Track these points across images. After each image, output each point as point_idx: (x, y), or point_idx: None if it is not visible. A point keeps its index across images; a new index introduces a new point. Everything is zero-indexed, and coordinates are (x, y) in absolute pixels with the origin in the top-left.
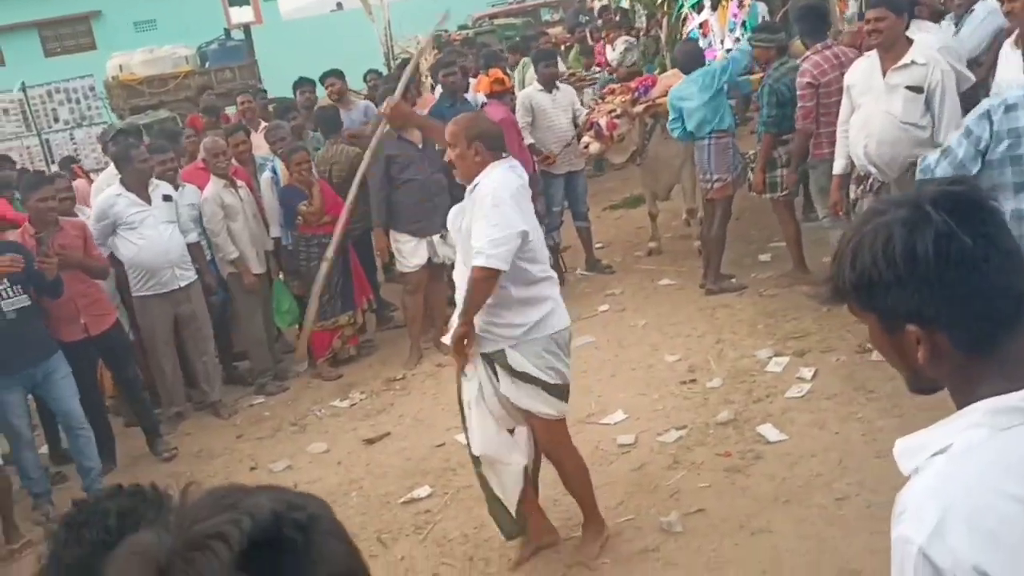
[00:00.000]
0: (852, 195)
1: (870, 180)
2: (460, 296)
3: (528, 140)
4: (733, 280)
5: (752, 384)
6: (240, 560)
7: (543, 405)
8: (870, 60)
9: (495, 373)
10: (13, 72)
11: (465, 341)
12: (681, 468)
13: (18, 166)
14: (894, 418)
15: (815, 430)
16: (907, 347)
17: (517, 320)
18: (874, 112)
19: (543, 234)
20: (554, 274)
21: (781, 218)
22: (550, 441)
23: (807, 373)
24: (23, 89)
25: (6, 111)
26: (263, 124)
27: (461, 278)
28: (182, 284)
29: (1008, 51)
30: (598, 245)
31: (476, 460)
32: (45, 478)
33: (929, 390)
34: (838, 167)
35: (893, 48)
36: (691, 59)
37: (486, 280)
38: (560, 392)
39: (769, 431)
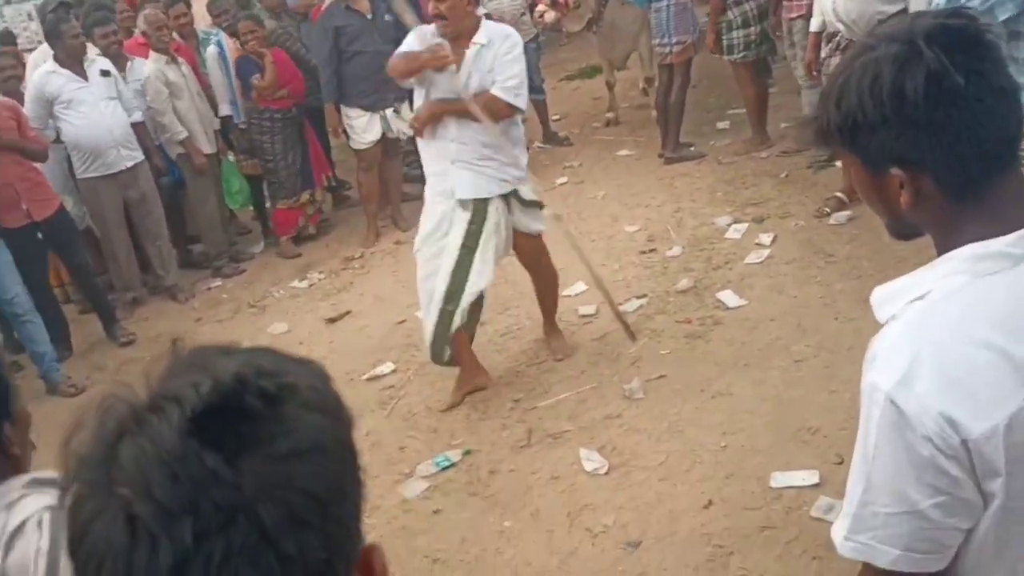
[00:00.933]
0: (824, 53)
1: (838, 37)
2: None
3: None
4: (692, 148)
5: (711, 251)
6: (191, 426)
7: (539, 223)
8: None
9: (508, 208)
10: None
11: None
12: (642, 336)
13: None
14: (852, 280)
15: (774, 295)
16: (890, 191)
17: (523, 155)
18: None
19: None
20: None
21: (741, 82)
22: (538, 253)
23: (766, 239)
24: None
25: None
26: None
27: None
28: (128, 165)
29: None
30: (555, 117)
31: (446, 312)
32: None
33: (910, 235)
34: (814, 24)
35: None
36: None
37: (504, 111)
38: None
39: (729, 297)
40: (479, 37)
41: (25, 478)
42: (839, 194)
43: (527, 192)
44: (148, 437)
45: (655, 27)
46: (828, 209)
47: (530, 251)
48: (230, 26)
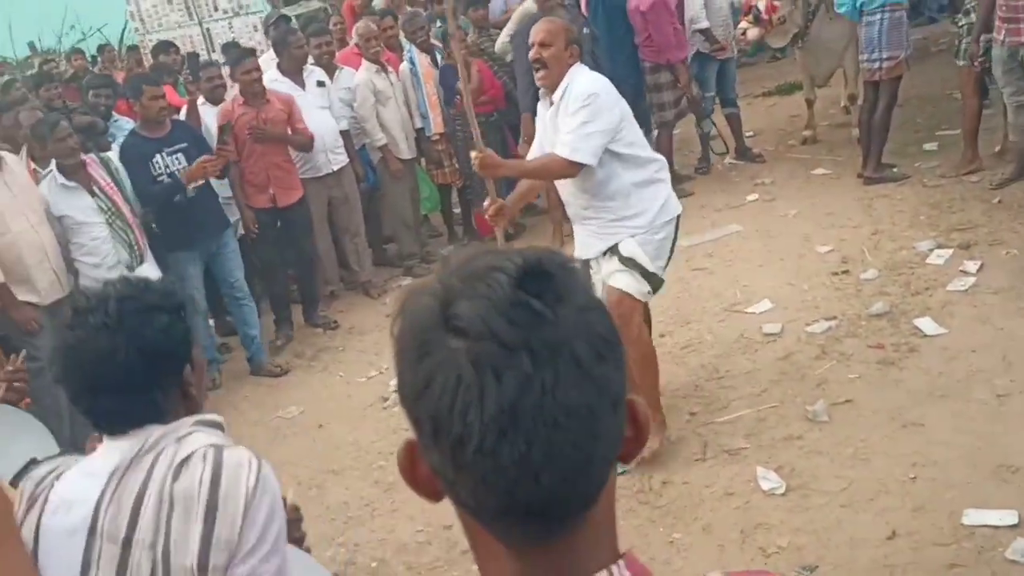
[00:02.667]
0: None
1: None
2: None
3: (703, 23)
4: (895, 169)
5: (910, 276)
6: (518, 282)
7: (634, 281)
8: None
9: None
10: None
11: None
12: (829, 359)
13: (182, 52)
14: None
15: (977, 325)
16: None
17: (640, 207)
18: None
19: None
20: (664, 160)
21: (963, 91)
22: (625, 316)
23: (972, 266)
24: None
25: (170, 1)
26: (405, 12)
27: (575, 197)
28: (335, 168)
29: None
30: (748, 133)
31: None
32: (213, 346)
33: None
34: None
35: None
36: None
37: (563, 169)
38: (652, 280)
39: (927, 324)
40: (557, 93)
41: (195, 417)
42: None
43: (628, 247)
44: (483, 294)
45: (865, 41)
46: None
47: (615, 311)
48: (423, 42)
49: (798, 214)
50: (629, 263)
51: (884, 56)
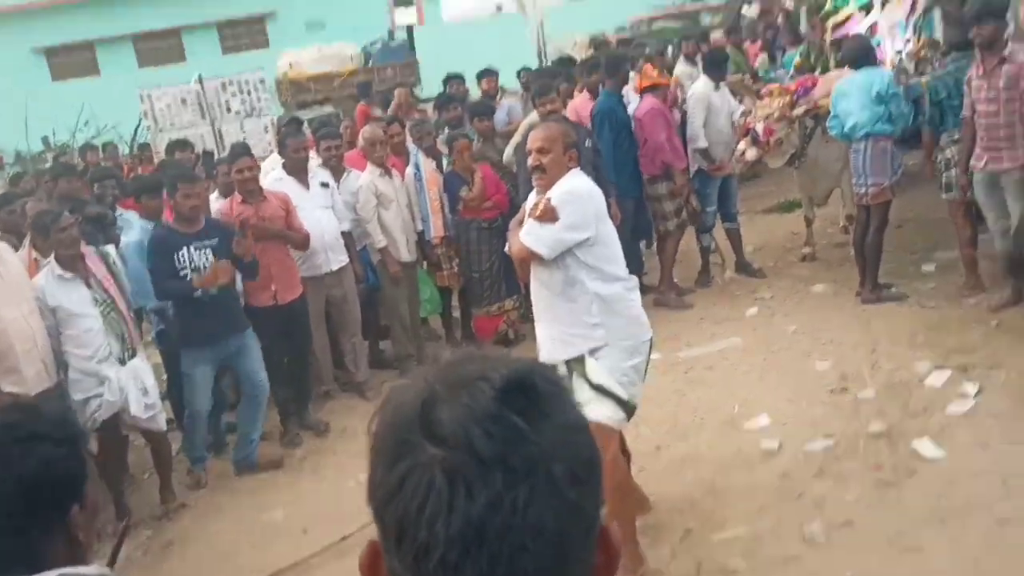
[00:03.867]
0: None
1: None
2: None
3: (702, 143)
4: (892, 289)
5: (909, 397)
6: (501, 395)
7: (609, 410)
8: None
9: (571, 381)
10: (193, 68)
11: None
12: (827, 478)
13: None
14: None
15: (977, 449)
16: None
17: (600, 319)
18: None
19: (620, 244)
20: (635, 281)
21: (956, 222)
22: None
23: (971, 389)
24: (199, 81)
25: (184, 101)
26: (412, 119)
27: (539, 293)
28: (334, 268)
29: None
30: (749, 248)
31: None
32: (203, 447)
33: None
34: None
35: None
36: (860, 53)
37: (519, 250)
38: (626, 407)
39: (926, 446)
40: (552, 191)
41: (63, 571)
42: None
43: (598, 374)
44: (465, 403)
45: (852, 167)
46: None
47: None
48: (430, 148)
49: (797, 330)
50: (602, 391)
51: (869, 183)
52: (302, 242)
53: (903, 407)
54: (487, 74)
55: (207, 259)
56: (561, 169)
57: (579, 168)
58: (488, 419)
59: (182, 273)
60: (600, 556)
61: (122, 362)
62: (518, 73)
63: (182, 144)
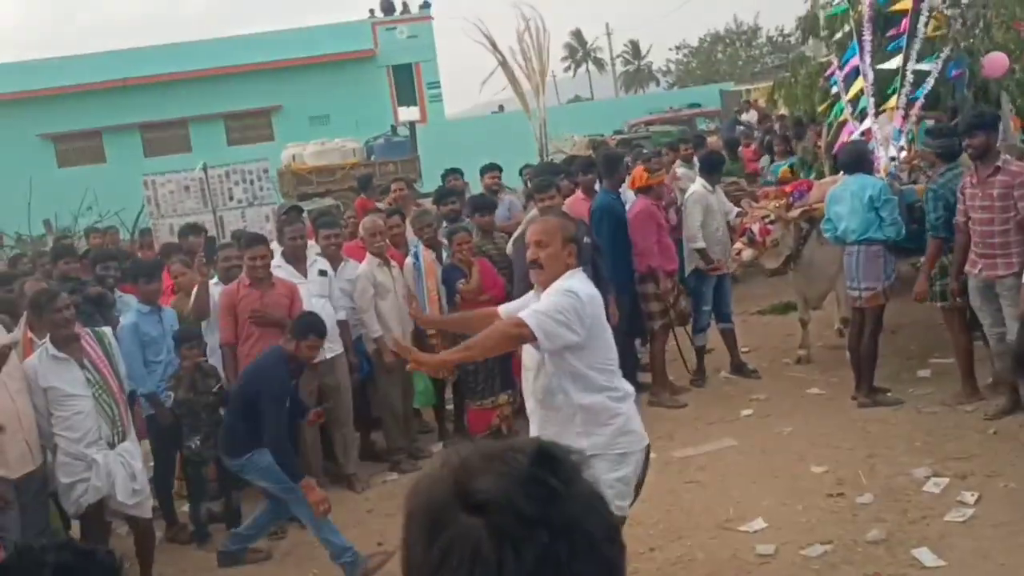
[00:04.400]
0: None
1: None
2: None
3: (700, 244)
4: (889, 394)
5: (907, 504)
6: (537, 460)
7: None
8: None
9: None
10: (198, 157)
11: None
12: None
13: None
14: None
15: (978, 559)
16: None
17: (586, 429)
18: None
19: (616, 351)
20: (626, 390)
21: (951, 329)
22: None
23: (969, 497)
24: (204, 168)
25: (187, 188)
26: (413, 211)
27: (527, 394)
28: (328, 356)
29: None
30: (744, 349)
31: None
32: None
33: None
34: None
35: None
36: (856, 159)
37: (516, 335)
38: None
39: (925, 555)
40: (551, 288)
41: None
42: None
43: None
44: (502, 471)
45: (846, 270)
46: None
47: None
48: (430, 239)
49: (792, 432)
50: None
51: (863, 287)
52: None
53: (901, 513)
54: (490, 169)
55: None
56: (559, 264)
57: (579, 266)
58: (528, 482)
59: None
60: None
61: (111, 446)
62: (520, 170)
63: (194, 228)
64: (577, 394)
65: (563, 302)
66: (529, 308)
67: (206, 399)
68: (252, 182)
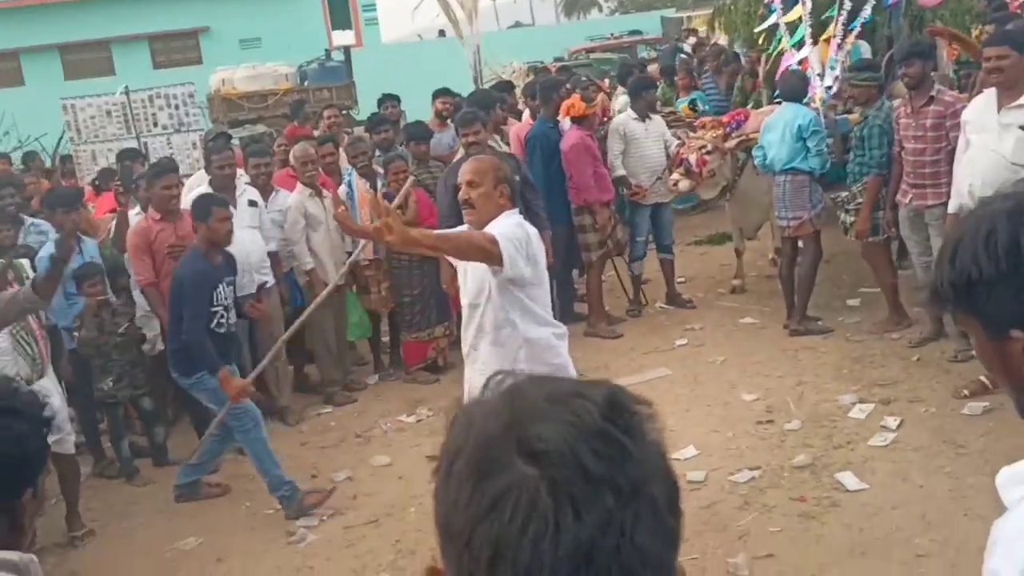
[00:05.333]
0: None
1: None
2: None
3: (619, 172)
4: (820, 322)
5: (833, 429)
6: (607, 413)
7: None
8: (987, 97)
9: None
10: (122, 81)
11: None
12: (752, 510)
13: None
14: (986, 476)
15: (898, 481)
16: (1013, 358)
17: (528, 366)
18: (982, 151)
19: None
20: (564, 329)
21: (878, 262)
22: None
23: (892, 422)
24: (126, 92)
25: (109, 113)
26: (347, 138)
27: (466, 331)
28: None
29: None
30: (680, 280)
31: None
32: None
33: None
34: (952, 206)
35: (1014, 87)
36: (793, 88)
37: (486, 249)
38: None
39: (848, 479)
40: (487, 230)
41: None
42: (983, 378)
43: None
44: (569, 420)
45: (774, 200)
46: (967, 392)
47: None
48: (364, 167)
49: (725, 361)
50: None
51: (790, 216)
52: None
53: (827, 439)
54: (443, 93)
55: (229, 298)
56: (492, 204)
57: (514, 207)
58: (596, 437)
59: (213, 310)
60: None
61: (28, 383)
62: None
63: (133, 153)
64: (525, 327)
65: (517, 233)
66: (493, 230)
67: (115, 339)
68: (178, 107)
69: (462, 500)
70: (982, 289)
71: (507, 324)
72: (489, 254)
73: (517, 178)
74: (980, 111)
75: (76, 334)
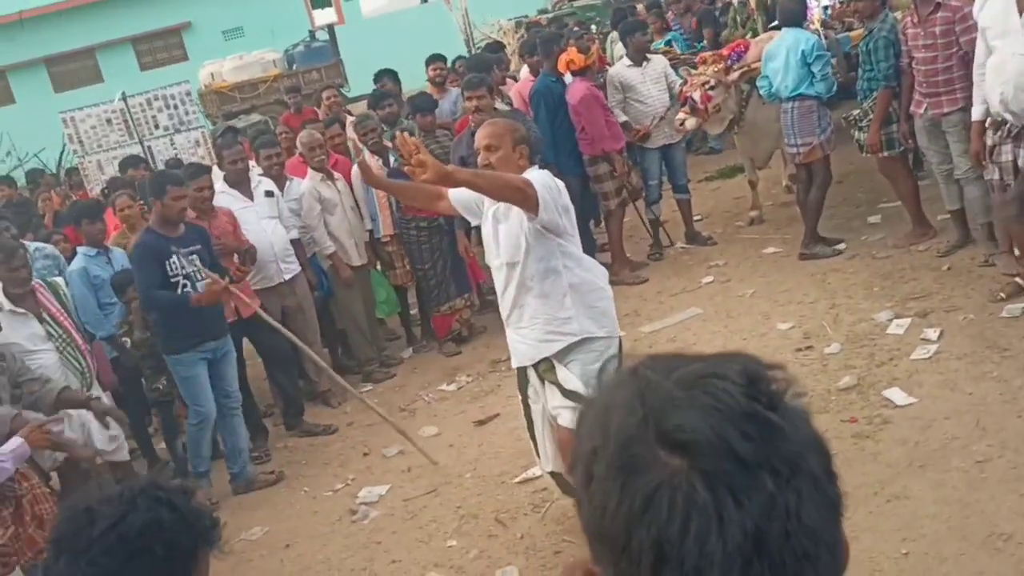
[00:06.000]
0: (990, 142)
1: (1008, 126)
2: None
3: (621, 118)
4: (839, 246)
5: (873, 348)
6: (750, 390)
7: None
8: (1005, 1)
9: (543, 387)
10: (112, 87)
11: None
12: None
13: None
14: None
15: (947, 392)
16: None
17: (572, 312)
18: (1009, 56)
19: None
20: (606, 272)
21: (897, 176)
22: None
23: (932, 334)
24: (123, 98)
25: (109, 121)
26: (350, 117)
27: (504, 294)
28: (287, 277)
29: None
30: (697, 217)
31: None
32: (208, 460)
33: None
34: (976, 113)
35: None
36: (792, 13)
37: (522, 189)
38: None
39: (896, 395)
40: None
41: None
42: (1019, 279)
43: (567, 379)
44: (708, 403)
45: (783, 127)
46: (1004, 295)
47: (567, 449)
48: (375, 143)
49: (755, 293)
50: (574, 397)
51: (799, 142)
52: (251, 255)
53: (869, 358)
54: (435, 60)
55: (194, 266)
56: (512, 166)
57: (533, 165)
58: (742, 418)
59: (173, 280)
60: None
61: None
62: (453, 63)
63: (135, 161)
64: (569, 272)
65: (548, 182)
66: (526, 176)
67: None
68: (176, 107)
69: (611, 504)
70: None
71: (551, 273)
72: (525, 195)
73: (534, 135)
74: (1000, 16)
75: (124, 340)
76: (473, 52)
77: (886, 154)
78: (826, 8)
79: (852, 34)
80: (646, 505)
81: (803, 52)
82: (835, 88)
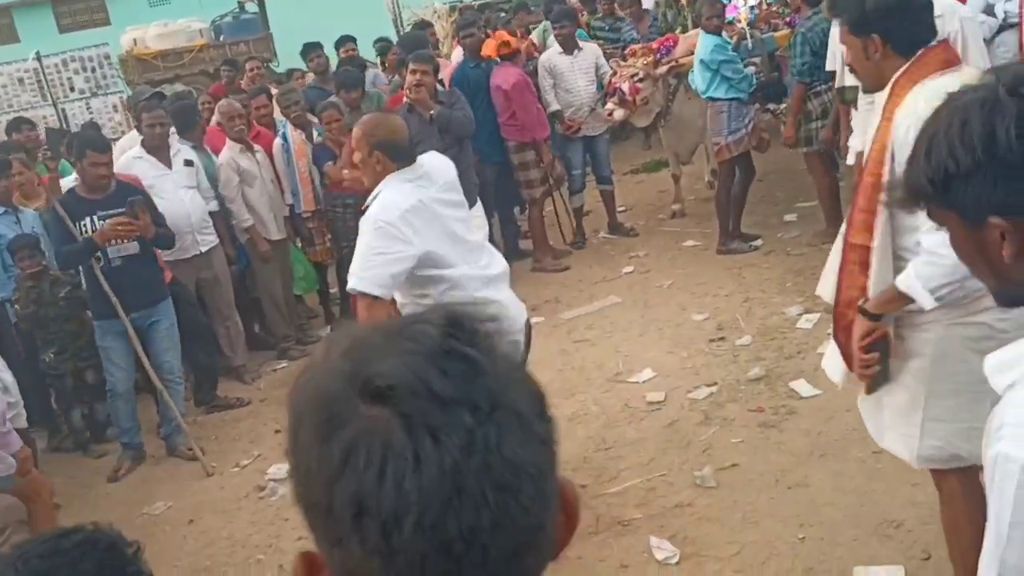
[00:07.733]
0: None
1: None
2: None
3: (553, 107)
4: (757, 242)
5: (783, 341)
6: (449, 329)
7: None
8: None
9: None
10: (28, 48)
11: None
12: (713, 424)
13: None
14: None
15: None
16: (991, 246)
17: None
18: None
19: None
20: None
21: (815, 173)
22: None
23: None
24: (38, 58)
25: (21, 80)
26: (274, 90)
27: None
28: (203, 249)
29: None
30: (620, 209)
31: None
32: (136, 431)
33: (1019, 299)
34: None
35: None
36: (706, 19)
37: (365, 307)
38: None
39: (802, 386)
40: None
41: None
42: None
43: None
44: (408, 348)
45: (709, 124)
46: None
47: None
48: (297, 117)
49: (672, 284)
50: None
51: (712, 140)
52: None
53: (778, 350)
54: (345, 41)
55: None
56: (369, 170)
57: (399, 166)
58: (441, 356)
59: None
60: (560, 513)
61: None
62: (374, 43)
63: (23, 123)
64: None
65: (375, 242)
66: (351, 271)
67: (55, 309)
68: (94, 70)
69: (312, 467)
70: (959, 181)
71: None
72: (372, 308)
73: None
74: None
75: (16, 307)
76: (402, 32)
77: (805, 150)
78: (752, 8)
79: (777, 35)
80: (344, 459)
81: (702, 60)
82: (752, 87)
